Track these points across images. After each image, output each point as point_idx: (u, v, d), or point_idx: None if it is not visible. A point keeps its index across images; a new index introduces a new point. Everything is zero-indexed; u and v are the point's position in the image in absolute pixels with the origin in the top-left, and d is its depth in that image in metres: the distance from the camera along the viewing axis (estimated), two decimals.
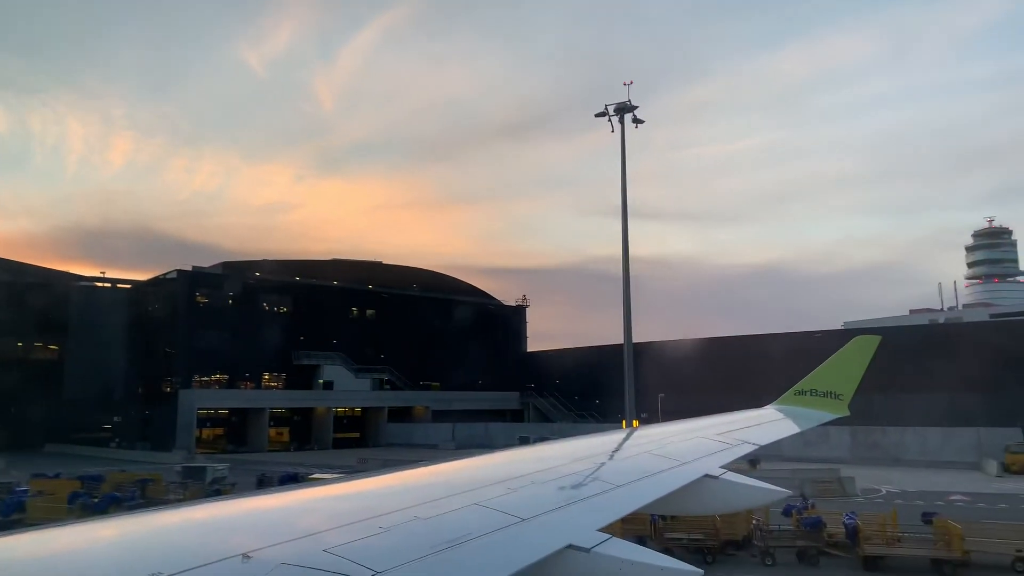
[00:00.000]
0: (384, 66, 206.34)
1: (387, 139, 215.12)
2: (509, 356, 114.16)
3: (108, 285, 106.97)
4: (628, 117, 47.67)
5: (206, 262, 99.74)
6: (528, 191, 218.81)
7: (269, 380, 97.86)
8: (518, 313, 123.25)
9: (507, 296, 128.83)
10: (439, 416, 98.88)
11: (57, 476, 48.42)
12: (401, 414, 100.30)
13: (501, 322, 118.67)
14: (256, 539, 3.98)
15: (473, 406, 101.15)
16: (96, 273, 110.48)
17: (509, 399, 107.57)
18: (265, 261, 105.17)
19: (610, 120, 47.72)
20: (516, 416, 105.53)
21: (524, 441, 61.13)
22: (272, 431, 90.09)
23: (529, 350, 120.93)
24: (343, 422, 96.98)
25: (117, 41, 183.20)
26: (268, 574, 3.54)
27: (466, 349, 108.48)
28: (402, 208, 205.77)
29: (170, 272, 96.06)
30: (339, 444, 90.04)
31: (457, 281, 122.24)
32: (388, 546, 3.86)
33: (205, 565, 3.64)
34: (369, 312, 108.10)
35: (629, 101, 47.69)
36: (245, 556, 3.58)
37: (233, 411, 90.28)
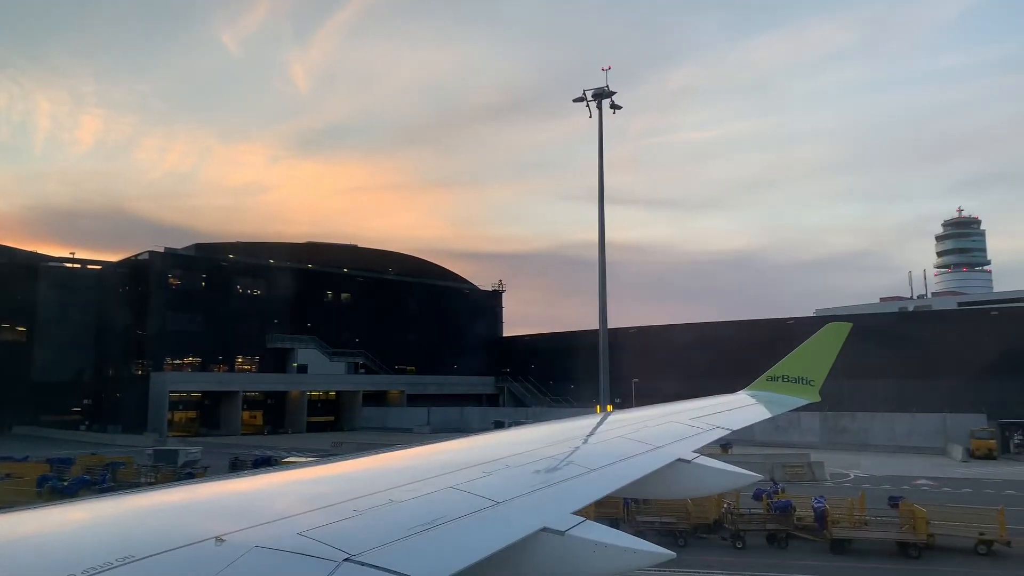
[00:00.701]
0: (361, 47, 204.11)
1: (364, 121, 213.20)
2: (485, 341, 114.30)
3: (78, 266, 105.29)
4: (606, 103, 47.68)
5: (179, 243, 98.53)
6: (505, 175, 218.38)
7: (243, 363, 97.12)
8: (494, 298, 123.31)
9: (483, 281, 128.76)
10: (414, 400, 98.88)
11: (25, 459, 47.79)
12: (376, 398, 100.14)
13: (477, 307, 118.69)
14: (229, 522, 3.96)
15: (448, 390, 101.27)
16: (66, 254, 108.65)
17: (484, 383, 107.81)
18: (239, 243, 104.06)
19: (588, 105, 47.70)
20: (491, 400, 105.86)
21: (499, 425, 61.38)
22: (245, 414, 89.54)
23: (505, 335, 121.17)
24: (317, 406, 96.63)
25: (88, 16, 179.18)
26: (241, 557, 3.52)
27: (442, 333, 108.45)
28: (379, 191, 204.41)
29: (142, 253, 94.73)
30: (313, 428, 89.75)
31: (433, 265, 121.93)
32: (362, 529, 3.86)
33: (178, 548, 3.62)
34: (344, 296, 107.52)
35: (607, 87, 47.68)
36: (218, 539, 3.56)
37: (206, 394, 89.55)
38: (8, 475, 39.68)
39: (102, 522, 4.26)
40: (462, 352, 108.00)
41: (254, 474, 5.11)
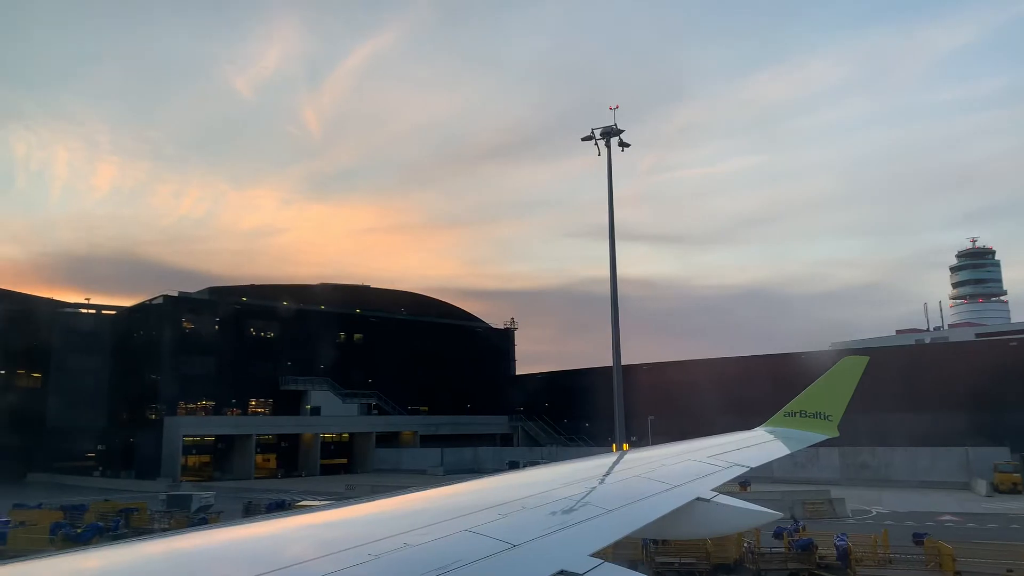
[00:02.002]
0: (370, 91, 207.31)
1: (373, 163, 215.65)
2: (497, 379, 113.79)
3: (92, 311, 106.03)
4: (614, 141, 48.04)
5: (192, 287, 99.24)
6: (514, 214, 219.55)
7: (256, 406, 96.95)
8: (505, 336, 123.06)
9: (494, 319, 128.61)
10: (427, 441, 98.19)
11: (39, 506, 47.60)
12: (389, 439, 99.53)
13: (489, 345, 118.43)
14: (243, 570, 3.92)
15: (462, 430, 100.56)
16: (81, 299, 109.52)
17: (498, 423, 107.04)
18: (252, 286, 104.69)
19: (596, 144, 48.06)
20: (505, 440, 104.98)
21: (514, 465, 60.76)
22: (259, 458, 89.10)
23: (517, 373, 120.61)
24: (331, 448, 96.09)
25: (102, 66, 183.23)
26: None
27: (454, 373, 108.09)
28: (389, 232, 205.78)
29: (156, 298, 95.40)
30: (327, 470, 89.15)
31: (444, 304, 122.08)
32: (377, 574, 3.80)
33: None
34: (357, 336, 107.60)
35: (615, 125, 48.09)
36: None
37: (219, 438, 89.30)
38: (22, 523, 39.52)
39: (116, 570, 4.22)
40: (475, 391, 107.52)
41: (267, 519, 5.07)
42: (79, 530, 36.56)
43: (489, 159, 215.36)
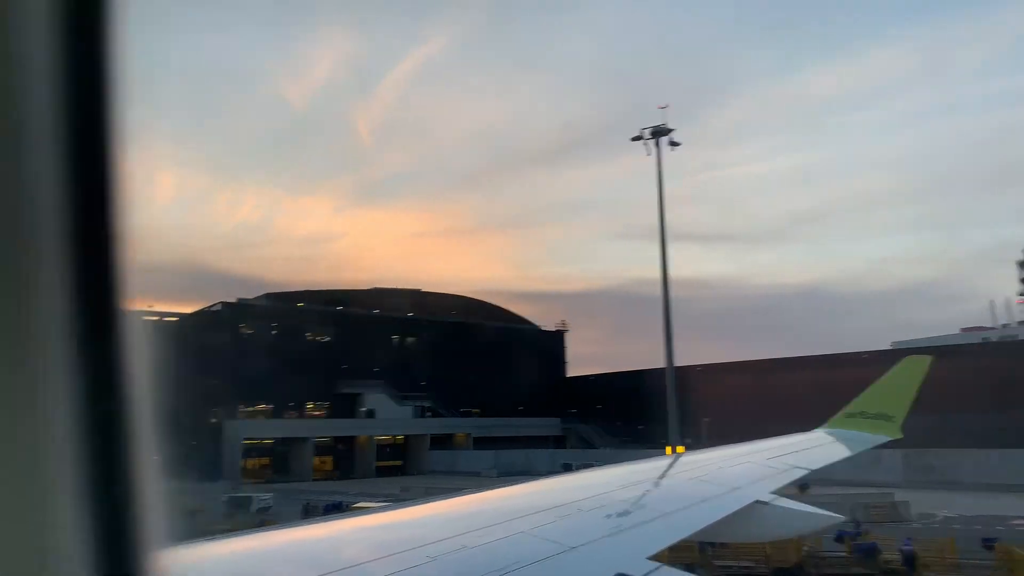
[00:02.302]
0: (420, 97, 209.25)
1: (424, 168, 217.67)
2: (549, 381, 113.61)
3: (156, 318, 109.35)
4: (664, 140, 47.60)
5: (250, 294, 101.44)
6: (563, 216, 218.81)
7: (313, 409, 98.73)
8: (557, 338, 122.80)
9: (546, 321, 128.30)
10: (480, 443, 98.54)
11: None
12: (443, 441, 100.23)
13: (541, 347, 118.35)
14: (304, 570, 4.02)
15: (514, 432, 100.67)
16: (145, 307, 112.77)
17: (551, 425, 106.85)
18: (307, 291, 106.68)
19: (646, 143, 47.69)
20: (558, 442, 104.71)
21: (567, 468, 60.53)
22: (316, 460, 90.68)
23: (569, 375, 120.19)
24: (386, 450, 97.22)
25: (162, 80, 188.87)
26: None
27: (506, 375, 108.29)
28: (440, 236, 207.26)
29: (215, 304, 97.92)
30: (382, 472, 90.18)
31: (496, 307, 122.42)
32: (436, 575, 3.85)
33: None
34: (410, 339, 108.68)
35: (665, 124, 47.64)
36: None
37: (278, 440, 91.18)
38: None
39: (185, 569, 4.37)
40: (527, 394, 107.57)
41: (327, 521, 5.18)
42: None
43: (538, 162, 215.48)
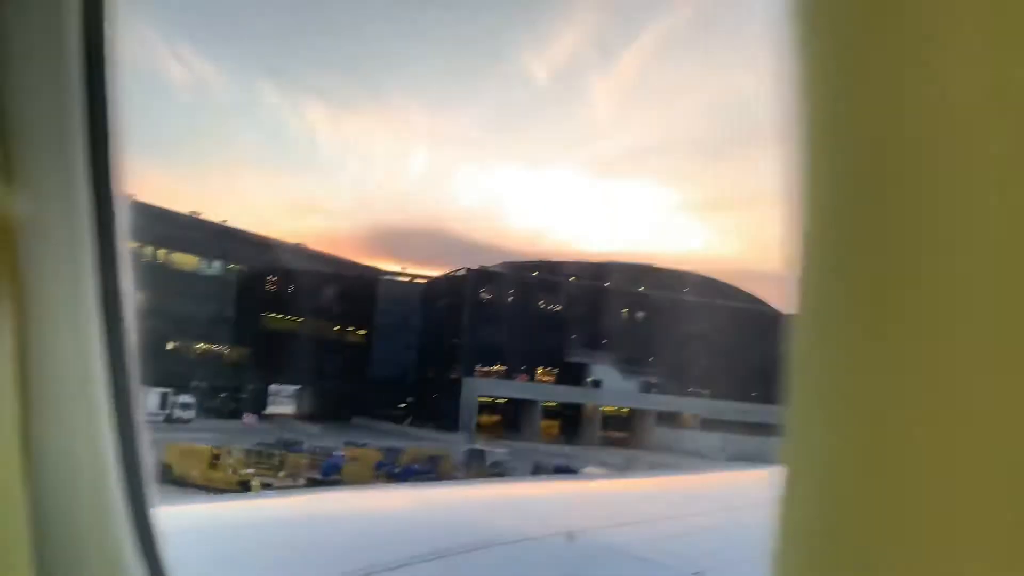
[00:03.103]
0: (666, 67, 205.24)
1: (664, 141, 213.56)
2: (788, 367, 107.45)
3: (407, 280, 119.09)
4: None
5: (489, 261, 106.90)
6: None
7: (542, 374, 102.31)
8: None
9: (788, 305, 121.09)
10: (707, 425, 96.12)
11: (365, 446, 54.90)
12: (668, 419, 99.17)
13: (780, 331, 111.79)
14: (578, 520, 4.17)
15: (745, 418, 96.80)
16: (398, 269, 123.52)
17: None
18: (542, 261, 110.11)
19: None
20: None
21: None
22: (543, 423, 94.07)
23: None
24: (610, 421, 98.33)
25: (420, 58, 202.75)
26: (592, 556, 3.69)
27: (739, 357, 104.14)
28: (676, 210, 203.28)
29: (459, 270, 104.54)
30: (605, 443, 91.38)
31: (731, 287, 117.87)
32: (712, 546, 3.81)
33: (532, 539, 3.89)
34: (640, 314, 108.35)
35: None
36: (570, 535, 3.77)
37: (509, 401, 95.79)
38: (353, 458, 45.91)
39: (461, 506, 4.74)
40: (761, 379, 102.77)
41: (598, 477, 5.34)
42: (398, 470, 41.64)
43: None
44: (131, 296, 2.00)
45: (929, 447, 0.59)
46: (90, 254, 1.87)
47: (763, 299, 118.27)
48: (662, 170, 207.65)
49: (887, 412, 0.62)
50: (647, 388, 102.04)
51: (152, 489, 2.03)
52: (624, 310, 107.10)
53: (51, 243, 1.82)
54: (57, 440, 1.84)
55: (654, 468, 47.12)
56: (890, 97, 0.62)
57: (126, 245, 1.99)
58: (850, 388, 0.67)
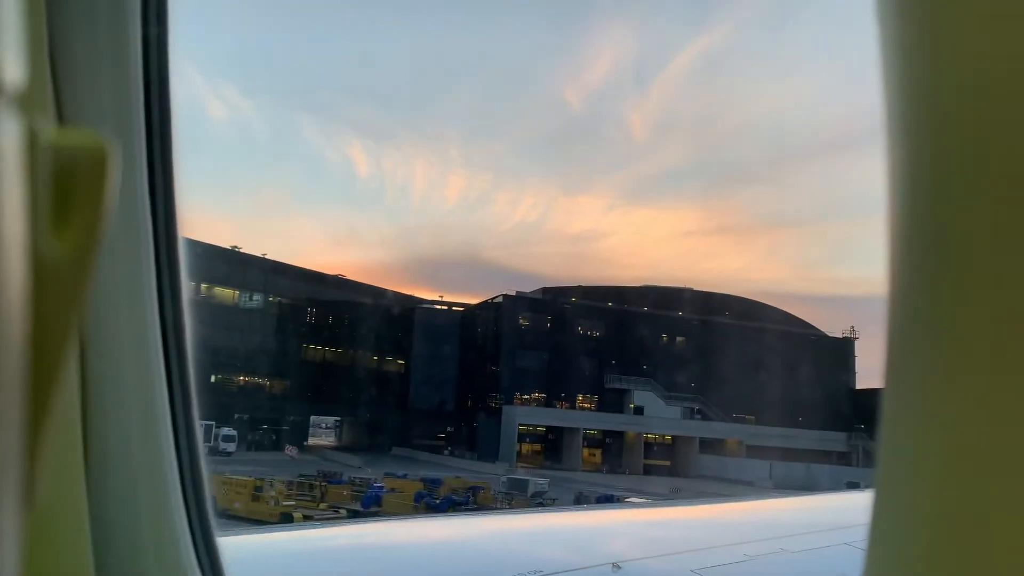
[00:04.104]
0: (697, 91, 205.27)
1: (699, 164, 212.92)
2: (834, 393, 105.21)
3: (445, 308, 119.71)
4: None
5: (527, 287, 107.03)
6: (854, 211, 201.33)
7: (582, 401, 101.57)
8: (845, 346, 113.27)
9: (832, 327, 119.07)
10: (753, 451, 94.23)
11: (405, 476, 54.94)
12: (712, 446, 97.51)
13: (825, 355, 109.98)
14: (624, 550, 4.09)
15: (792, 444, 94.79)
16: (435, 297, 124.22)
17: (834, 439, 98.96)
18: (579, 287, 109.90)
19: None
20: (842, 458, 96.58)
21: (853, 487, 55.62)
22: (585, 451, 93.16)
23: (858, 387, 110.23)
24: (653, 449, 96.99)
25: (457, 88, 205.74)
26: None
27: (784, 382, 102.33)
28: (712, 234, 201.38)
29: (496, 297, 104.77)
30: (648, 471, 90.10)
31: (773, 309, 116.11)
32: (755, 574, 3.71)
33: (579, 569, 3.83)
34: (679, 339, 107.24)
35: None
36: (615, 565, 3.69)
37: (549, 429, 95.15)
38: (392, 489, 45.93)
39: (503, 537, 4.69)
40: (808, 404, 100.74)
41: (641, 506, 5.25)
42: (437, 500, 41.52)
43: (827, 153, 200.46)
44: (190, 326, 2.08)
45: None
46: (152, 286, 1.96)
47: (808, 322, 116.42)
48: (696, 192, 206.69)
49: (984, 423, 0.61)
50: (690, 414, 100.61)
51: (213, 511, 2.10)
52: (664, 335, 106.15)
53: (115, 276, 1.90)
54: (120, 465, 1.91)
55: (699, 496, 46.27)
56: (984, 95, 0.61)
57: (185, 276, 2.08)
58: (946, 401, 0.66)
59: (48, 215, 0.42)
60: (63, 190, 0.43)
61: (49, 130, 0.42)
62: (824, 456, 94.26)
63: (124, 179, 1.91)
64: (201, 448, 2.10)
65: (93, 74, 1.83)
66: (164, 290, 2.00)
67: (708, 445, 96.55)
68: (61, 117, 1.80)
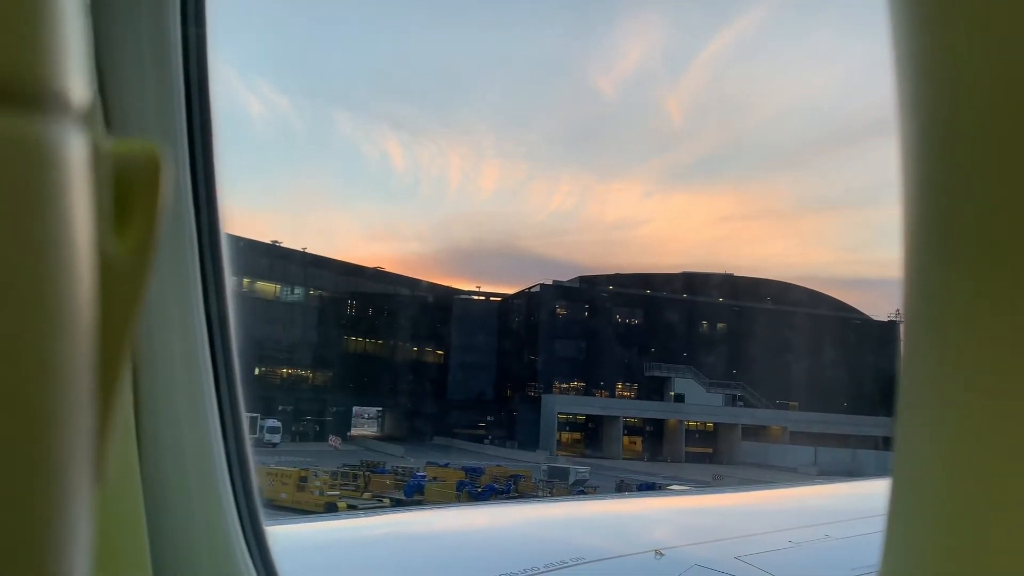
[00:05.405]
0: (733, 76, 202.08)
1: (736, 150, 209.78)
2: (881, 378, 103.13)
3: (482, 298, 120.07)
4: None
5: (563, 276, 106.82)
6: (898, 193, 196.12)
7: (622, 390, 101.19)
8: (890, 330, 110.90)
9: (876, 310, 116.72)
10: (796, 438, 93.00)
11: (446, 465, 55.40)
12: (755, 432, 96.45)
13: (870, 339, 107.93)
14: (666, 537, 4.09)
15: (836, 430, 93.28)
16: (472, 287, 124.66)
17: (880, 425, 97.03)
18: (617, 275, 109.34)
19: None
20: (888, 444, 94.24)
21: None
22: (625, 440, 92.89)
23: None
24: (695, 436, 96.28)
25: (487, 81, 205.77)
26: (682, 573, 3.60)
27: (827, 367, 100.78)
28: (751, 219, 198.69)
29: (533, 286, 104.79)
30: (690, 458, 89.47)
31: (815, 293, 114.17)
32: (801, 561, 3.68)
33: (621, 556, 3.83)
34: (720, 325, 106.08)
35: None
36: (658, 552, 3.69)
37: (589, 417, 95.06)
38: (435, 478, 46.40)
39: (545, 525, 4.72)
40: (852, 389, 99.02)
41: (683, 493, 5.24)
42: (479, 489, 41.82)
43: (870, 134, 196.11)
44: (234, 320, 2.16)
45: None
46: (197, 282, 2.03)
47: (852, 306, 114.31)
48: (734, 177, 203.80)
49: (998, 417, 0.60)
50: (732, 401, 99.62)
51: (260, 500, 2.18)
52: (704, 321, 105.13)
53: (162, 273, 1.97)
54: (170, 457, 1.99)
55: (742, 483, 45.88)
56: (1001, 91, 0.61)
57: (229, 272, 2.16)
58: (961, 393, 0.65)
59: (110, 219, 0.46)
60: (122, 195, 0.47)
61: (109, 140, 0.46)
62: (870, 442, 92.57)
63: (168, 179, 1.98)
64: (248, 438, 2.17)
65: (136, 76, 1.89)
66: (208, 286, 2.07)
67: (751, 432, 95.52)
68: (107, 119, 1.86)
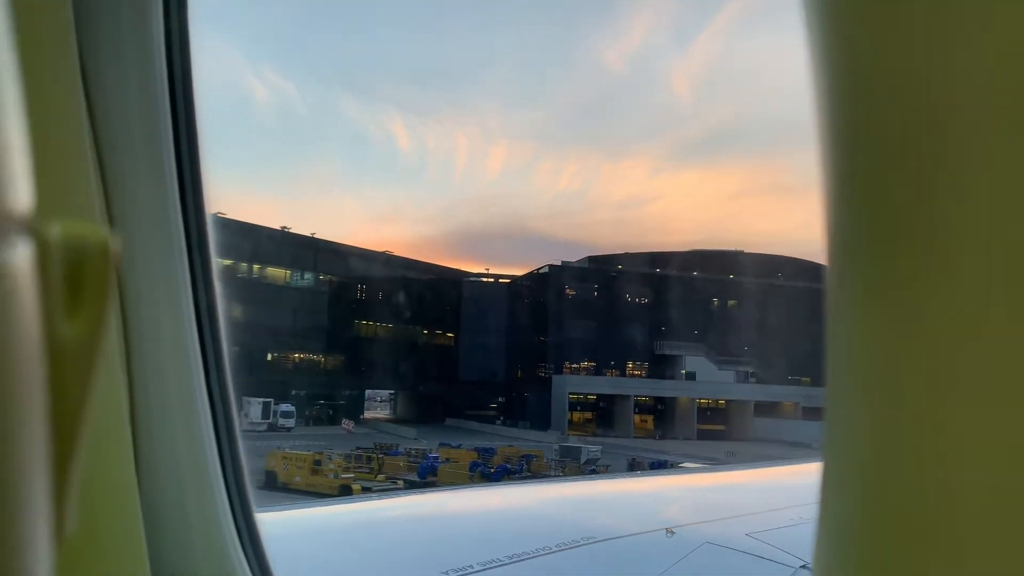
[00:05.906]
0: (743, 47, 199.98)
1: (746, 123, 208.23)
2: None
3: (491, 280, 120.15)
4: None
5: (572, 257, 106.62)
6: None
7: (633, 369, 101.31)
8: None
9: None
10: (810, 413, 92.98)
11: (459, 447, 55.77)
12: (767, 409, 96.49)
13: None
14: (678, 515, 4.10)
15: None
16: (481, 270, 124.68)
17: None
18: (626, 254, 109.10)
19: None
20: None
21: None
22: (636, 418, 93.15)
23: None
24: (707, 413, 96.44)
25: (494, 59, 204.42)
26: (693, 551, 3.61)
27: None
28: (761, 194, 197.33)
29: (542, 267, 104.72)
30: (702, 436, 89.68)
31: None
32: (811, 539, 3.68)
33: (633, 535, 3.85)
34: (731, 303, 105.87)
35: None
36: (669, 531, 3.69)
37: (600, 397, 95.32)
38: (447, 459, 46.72)
39: (558, 504, 4.74)
40: None
41: (695, 471, 5.25)
42: (492, 469, 42.07)
43: None
44: (223, 308, 2.17)
45: (964, 434, 0.59)
46: (185, 271, 2.03)
47: None
48: (744, 153, 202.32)
49: (918, 402, 0.63)
50: (743, 378, 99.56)
51: (251, 490, 2.20)
52: (715, 299, 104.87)
53: (148, 262, 1.98)
54: (163, 447, 2.02)
55: (754, 460, 45.98)
56: (911, 90, 0.63)
57: (216, 261, 2.17)
58: (883, 377, 0.68)
59: (60, 305, 0.48)
60: (72, 279, 0.49)
61: (57, 231, 0.48)
62: None
63: (153, 169, 2.00)
64: (238, 428, 2.20)
65: (119, 64, 1.88)
66: (197, 278, 2.11)
67: (763, 408, 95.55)
68: (91, 114, 1.86)
